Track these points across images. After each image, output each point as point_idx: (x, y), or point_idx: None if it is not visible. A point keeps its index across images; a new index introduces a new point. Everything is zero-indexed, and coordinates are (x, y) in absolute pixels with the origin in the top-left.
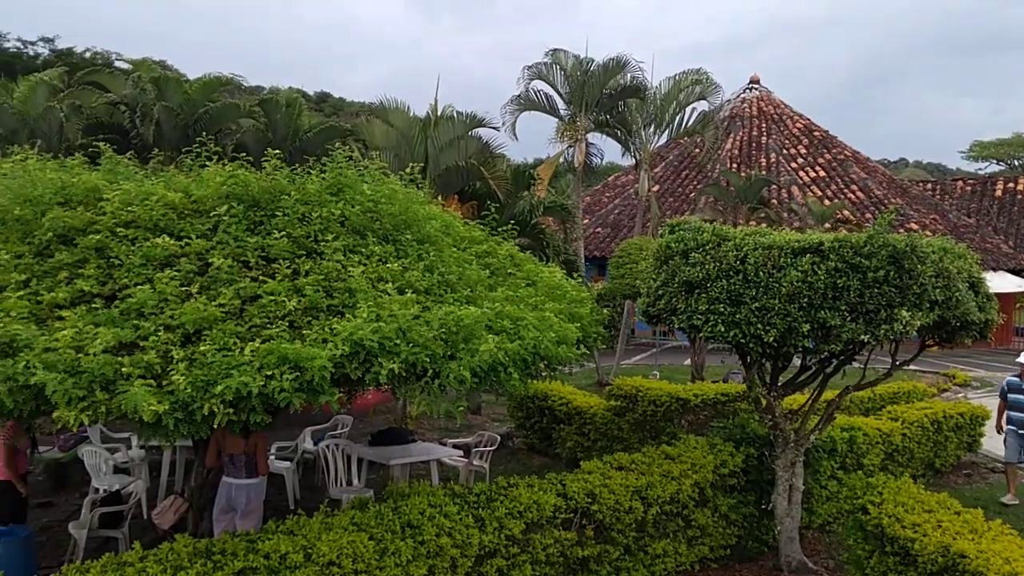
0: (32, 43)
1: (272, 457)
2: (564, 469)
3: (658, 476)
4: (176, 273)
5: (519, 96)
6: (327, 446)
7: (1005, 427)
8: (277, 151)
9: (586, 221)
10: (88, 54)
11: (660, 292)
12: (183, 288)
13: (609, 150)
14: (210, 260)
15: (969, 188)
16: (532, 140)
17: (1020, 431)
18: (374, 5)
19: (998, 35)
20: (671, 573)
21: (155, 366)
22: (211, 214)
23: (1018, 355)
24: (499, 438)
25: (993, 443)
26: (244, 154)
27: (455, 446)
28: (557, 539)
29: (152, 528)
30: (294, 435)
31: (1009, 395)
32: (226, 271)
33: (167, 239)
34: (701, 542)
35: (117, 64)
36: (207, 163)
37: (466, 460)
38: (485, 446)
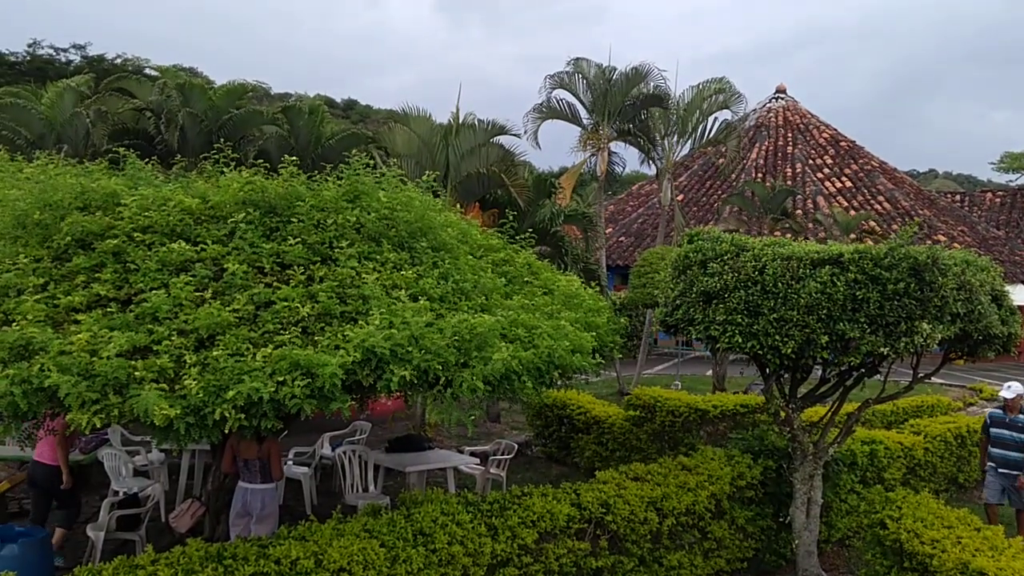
0: (64, 50)
1: (290, 463)
2: (582, 478)
3: (674, 487)
4: (191, 278)
5: (541, 105)
6: (344, 452)
7: (987, 465)
8: (295, 158)
9: (609, 230)
10: (119, 60)
11: (678, 302)
12: (198, 293)
13: (633, 159)
14: (225, 266)
15: (999, 200)
16: (557, 148)
17: (1002, 469)
18: (405, 15)
19: None
20: None
21: (168, 370)
22: (228, 220)
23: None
24: (516, 446)
25: None
26: (266, 160)
27: (472, 454)
28: (570, 549)
29: (169, 531)
30: (312, 440)
31: (992, 429)
32: (241, 277)
33: (183, 244)
34: (717, 555)
35: (147, 71)
36: (224, 170)
37: (483, 468)
38: (502, 454)
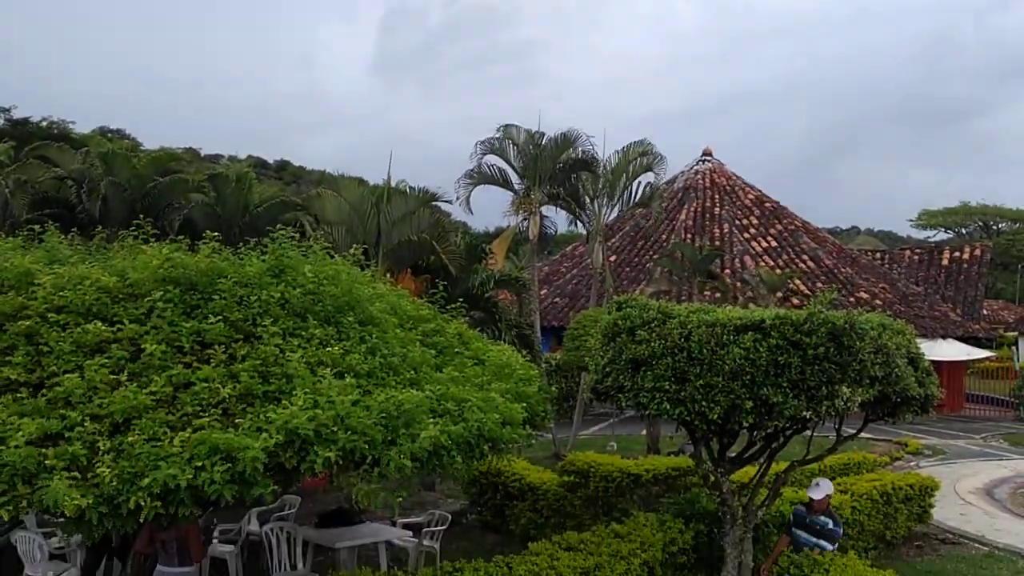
0: None
1: (215, 541)
2: (518, 546)
3: (607, 556)
4: (107, 360)
5: (472, 170)
6: (272, 529)
7: None
8: (218, 233)
9: (544, 291)
10: (44, 123)
11: (608, 369)
12: (113, 376)
13: (566, 220)
14: (143, 346)
15: (917, 257)
16: (493, 209)
17: None
18: (339, 76)
19: (945, 108)
20: None
21: (80, 458)
22: (146, 298)
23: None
24: (450, 517)
25: (944, 513)
26: (191, 229)
27: (405, 526)
28: None
29: None
30: (239, 516)
31: (794, 530)
32: (159, 357)
33: (99, 324)
34: None
35: (72, 136)
36: (143, 246)
37: (416, 541)
38: (436, 525)
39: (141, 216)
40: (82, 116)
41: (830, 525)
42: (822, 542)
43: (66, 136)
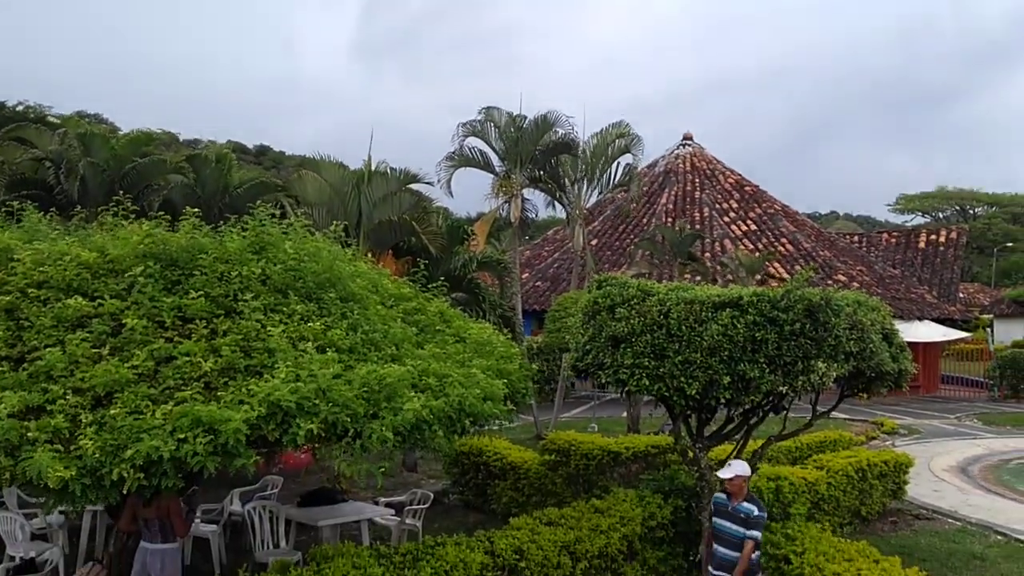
0: None
1: (198, 520)
2: (500, 525)
3: (587, 530)
4: (88, 334)
5: (454, 153)
6: (254, 508)
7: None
8: (198, 209)
9: (525, 275)
10: (20, 107)
11: (588, 347)
12: (95, 350)
13: (546, 203)
14: (124, 321)
15: (894, 240)
16: (476, 193)
17: (716, 572)
18: (320, 62)
19: (922, 93)
20: None
21: (63, 430)
22: (127, 274)
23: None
24: (432, 496)
25: (918, 490)
26: (171, 210)
27: (388, 505)
28: None
29: None
30: (221, 497)
31: (715, 519)
32: (140, 332)
33: (80, 300)
34: None
35: (49, 119)
36: (123, 222)
37: (398, 519)
38: (418, 504)
39: (117, 198)
40: (58, 103)
41: (755, 512)
42: (752, 532)
43: (43, 120)
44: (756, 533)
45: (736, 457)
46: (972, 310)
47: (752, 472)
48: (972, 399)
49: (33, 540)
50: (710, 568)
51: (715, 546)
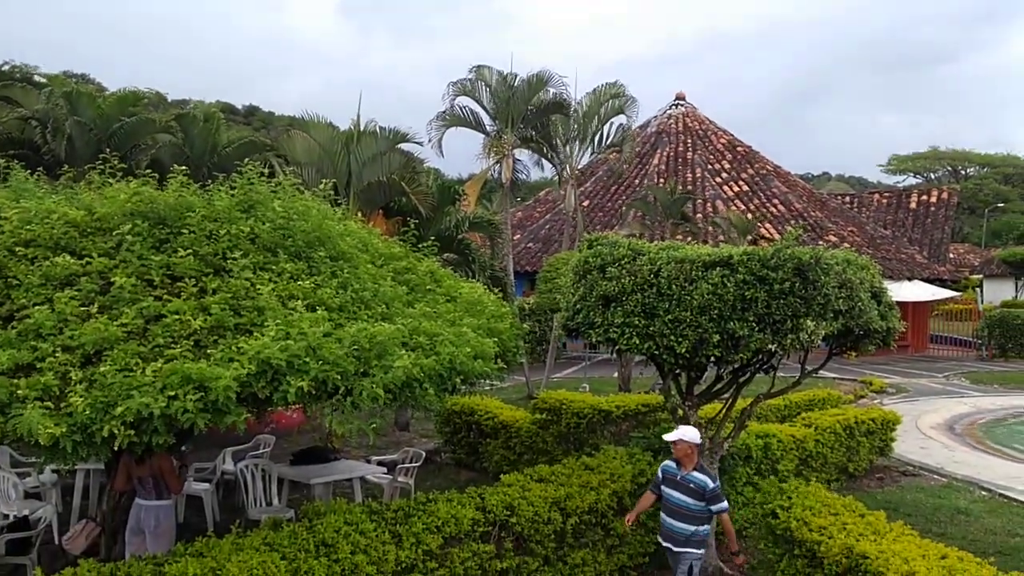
0: None
1: (191, 479)
2: (491, 483)
3: (577, 487)
4: (76, 293)
5: (445, 112)
6: (246, 466)
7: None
8: (186, 168)
9: (517, 236)
10: (6, 67)
11: (578, 306)
12: (83, 308)
13: (535, 163)
14: (112, 279)
15: (885, 200)
16: (467, 154)
17: (665, 543)
18: (308, 20)
19: (915, 54)
20: None
21: (53, 388)
22: (114, 232)
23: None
24: (424, 454)
25: (905, 447)
26: (159, 170)
27: (380, 463)
28: (475, 552)
29: (63, 554)
30: (213, 456)
31: (663, 488)
32: (129, 290)
33: (67, 258)
34: (620, 551)
35: (36, 78)
36: (111, 181)
37: (391, 477)
38: (410, 462)
39: (104, 156)
40: (45, 62)
41: (710, 485)
42: (720, 506)
43: (29, 79)
44: (723, 504)
45: (725, 415)
46: (962, 271)
47: (741, 430)
48: (961, 358)
49: (26, 499)
50: (662, 542)
51: (662, 516)
